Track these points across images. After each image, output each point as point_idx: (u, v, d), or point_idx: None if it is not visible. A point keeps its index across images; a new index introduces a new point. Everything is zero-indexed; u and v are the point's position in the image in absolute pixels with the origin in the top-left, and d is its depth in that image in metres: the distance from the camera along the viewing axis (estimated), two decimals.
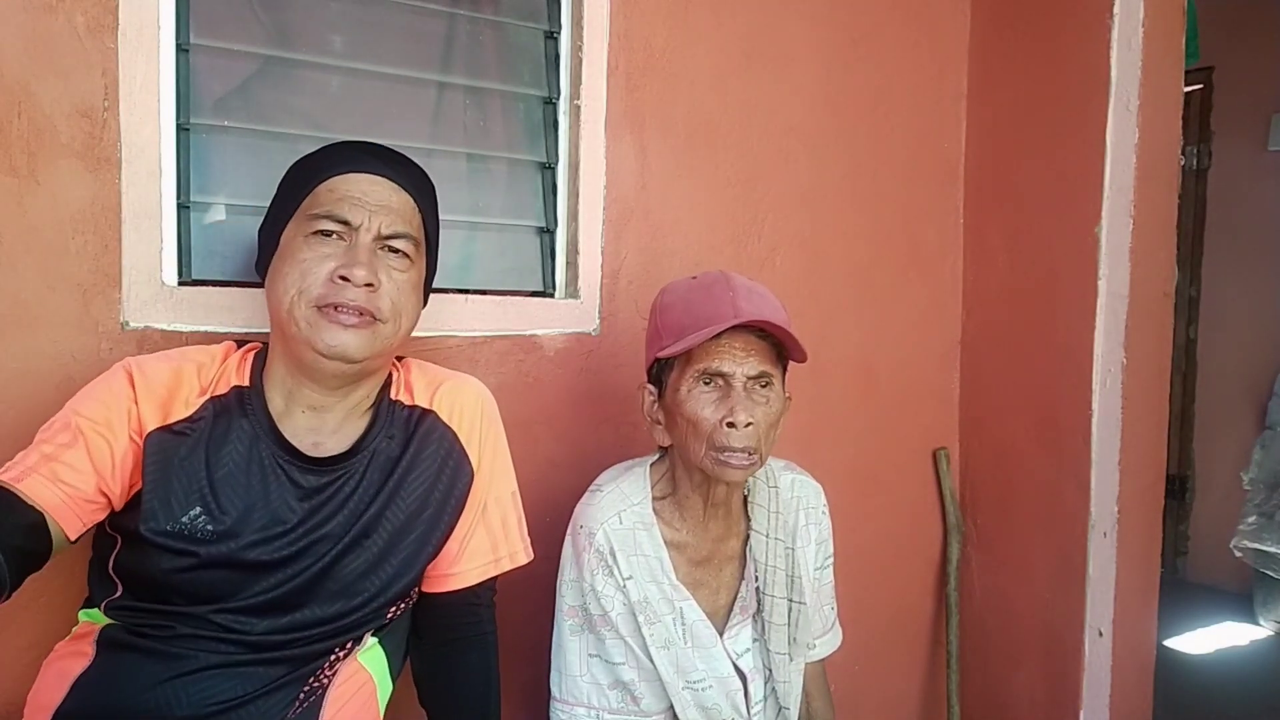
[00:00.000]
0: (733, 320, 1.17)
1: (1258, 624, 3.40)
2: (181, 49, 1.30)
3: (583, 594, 1.26)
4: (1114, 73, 1.76)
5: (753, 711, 1.31)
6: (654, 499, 1.30)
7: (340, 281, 1.03)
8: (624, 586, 1.24)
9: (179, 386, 1.05)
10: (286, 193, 1.10)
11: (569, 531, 1.31)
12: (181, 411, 1.04)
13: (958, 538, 2.12)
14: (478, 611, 1.24)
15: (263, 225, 1.13)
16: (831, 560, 1.44)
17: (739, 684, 1.30)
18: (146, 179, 1.25)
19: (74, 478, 0.97)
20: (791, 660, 1.33)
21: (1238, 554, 3.28)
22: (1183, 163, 2.33)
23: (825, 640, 1.46)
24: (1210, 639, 3.26)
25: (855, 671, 1.93)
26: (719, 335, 1.18)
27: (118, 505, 1.01)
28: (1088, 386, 1.82)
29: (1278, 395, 3.41)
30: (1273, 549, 3.18)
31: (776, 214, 1.84)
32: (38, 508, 0.94)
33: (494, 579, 1.24)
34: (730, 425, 1.18)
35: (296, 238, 1.06)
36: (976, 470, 2.11)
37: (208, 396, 1.07)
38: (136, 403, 1.02)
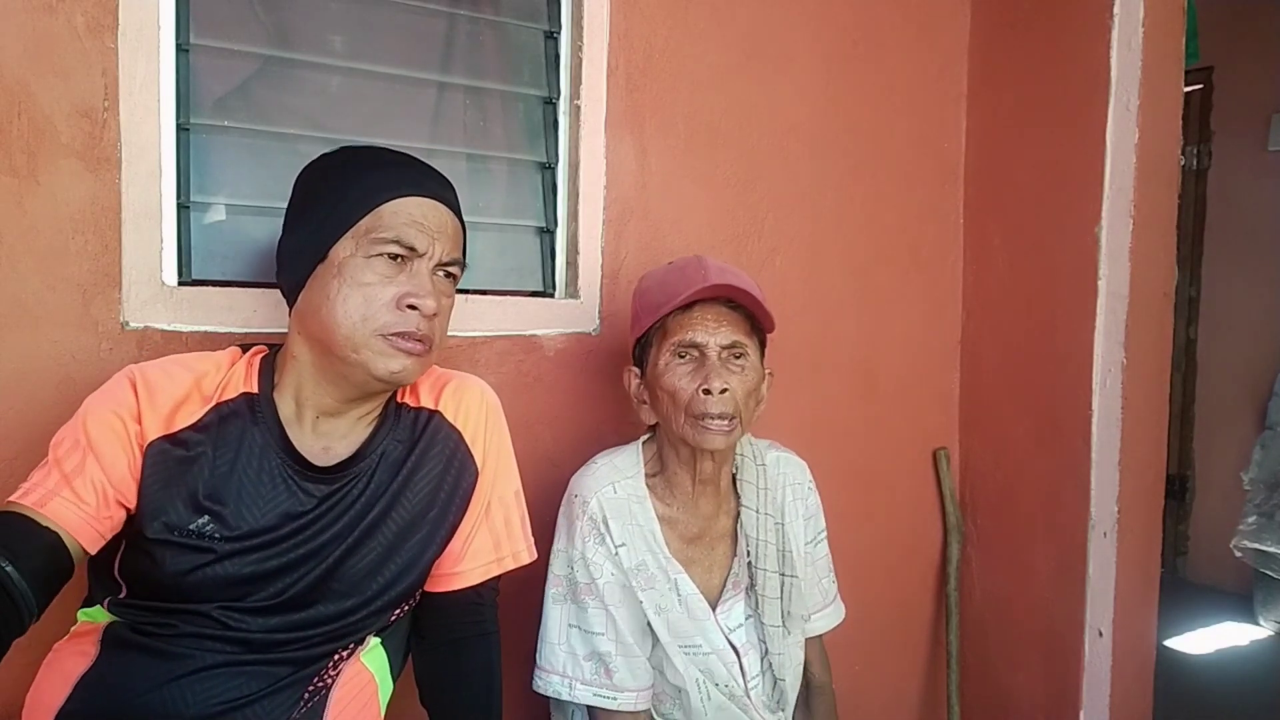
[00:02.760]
0: (699, 284, 1.23)
1: (1258, 624, 3.40)
2: (181, 49, 1.30)
3: (570, 563, 1.30)
4: (1114, 73, 1.76)
5: (750, 685, 1.33)
6: (646, 475, 1.35)
7: (408, 310, 1.04)
8: (616, 554, 1.28)
9: (183, 395, 1.05)
10: (333, 202, 1.05)
11: (564, 501, 1.35)
12: (185, 420, 1.04)
13: (958, 538, 2.12)
14: (480, 611, 1.24)
15: (294, 228, 1.10)
16: (824, 534, 1.48)
17: (734, 657, 1.33)
18: (146, 179, 1.25)
19: (93, 496, 0.98)
20: (788, 634, 1.37)
21: (1238, 554, 3.28)
22: (1183, 163, 2.32)
23: (826, 614, 1.49)
24: (1210, 639, 3.26)
25: (855, 671, 1.93)
26: (691, 308, 1.25)
27: (134, 512, 1.02)
28: (1088, 386, 1.82)
29: (1278, 395, 3.40)
30: (1273, 549, 3.18)
31: (776, 214, 1.84)
32: (54, 528, 0.95)
33: (497, 578, 1.24)
34: (706, 392, 1.23)
35: (354, 257, 1.03)
36: (976, 470, 2.11)
37: (212, 404, 1.06)
38: (139, 413, 1.02)
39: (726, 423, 1.24)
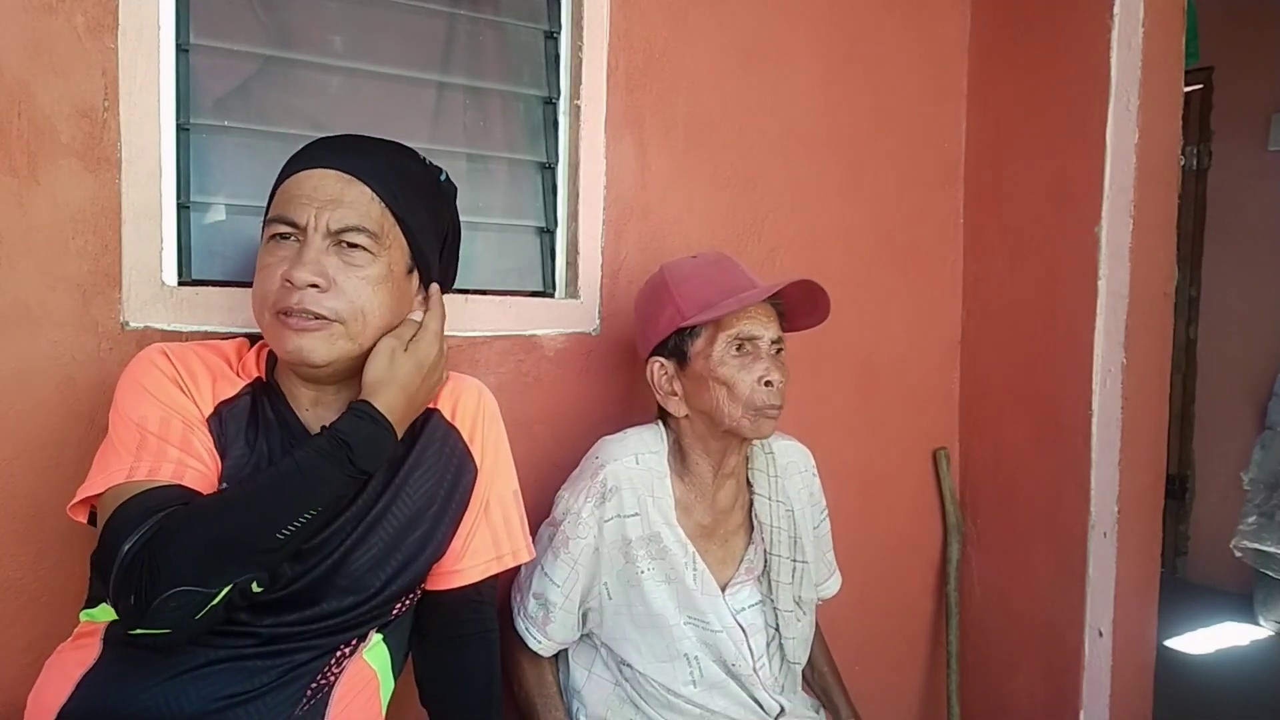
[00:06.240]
0: (749, 282, 1.30)
1: (1258, 624, 3.40)
2: (181, 49, 1.30)
3: (567, 512, 1.33)
4: (1114, 73, 1.76)
5: (757, 664, 1.36)
6: (667, 454, 1.37)
7: (288, 285, 1.02)
8: (623, 522, 1.31)
9: (218, 369, 1.08)
10: (267, 202, 1.12)
11: (586, 455, 1.39)
12: (227, 391, 1.07)
13: (958, 538, 2.12)
14: (480, 608, 1.25)
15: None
16: (826, 513, 1.53)
17: (742, 636, 1.35)
18: (146, 179, 1.25)
19: (208, 458, 1.02)
20: (802, 617, 1.40)
21: (1238, 554, 3.28)
22: (1183, 163, 2.32)
23: (828, 585, 1.56)
24: (1210, 639, 3.26)
25: (855, 671, 1.92)
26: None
27: None
28: (1088, 386, 1.82)
29: (1278, 395, 3.40)
30: (1273, 549, 3.18)
31: (776, 214, 1.84)
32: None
33: (495, 576, 1.25)
34: (768, 384, 1.28)
35: (262, 245, 1.07)
36: (976, 470, 2.11)
37: (248, 380, 1.10)
38: (186, 390, 1.04)
39: (778, 412, 1.30)
